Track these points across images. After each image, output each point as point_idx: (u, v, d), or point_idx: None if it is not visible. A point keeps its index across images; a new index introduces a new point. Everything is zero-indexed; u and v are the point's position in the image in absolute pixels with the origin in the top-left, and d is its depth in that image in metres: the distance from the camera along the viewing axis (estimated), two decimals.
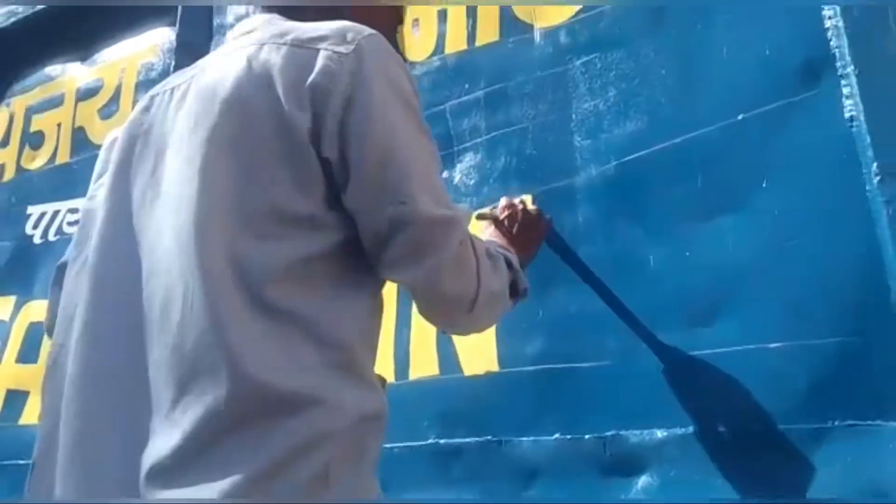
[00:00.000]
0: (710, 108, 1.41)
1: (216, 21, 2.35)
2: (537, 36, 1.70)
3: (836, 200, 1.24)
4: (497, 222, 1.39)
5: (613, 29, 1.59)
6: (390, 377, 1.57)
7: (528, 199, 1.55)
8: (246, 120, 0.88)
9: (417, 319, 1.55)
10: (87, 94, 2.70)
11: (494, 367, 1.51)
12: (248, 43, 0.95)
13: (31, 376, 2.23)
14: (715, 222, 1.35)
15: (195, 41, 2.30)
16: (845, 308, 1.20)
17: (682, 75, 1.47)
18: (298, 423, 0.78)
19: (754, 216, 1.31)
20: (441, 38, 1.86)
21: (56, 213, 2.56)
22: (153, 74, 2.50)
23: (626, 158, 1.49)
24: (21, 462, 1.99)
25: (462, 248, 0.93)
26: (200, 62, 1.03)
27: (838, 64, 1.28)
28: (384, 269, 0.91)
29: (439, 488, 1.48)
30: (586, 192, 1.52)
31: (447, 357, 1.56)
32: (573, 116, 1.58)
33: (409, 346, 1.60)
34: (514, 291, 1.12)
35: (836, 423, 1.17)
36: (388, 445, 1.51)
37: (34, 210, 2.63)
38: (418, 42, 1.88)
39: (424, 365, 1.58)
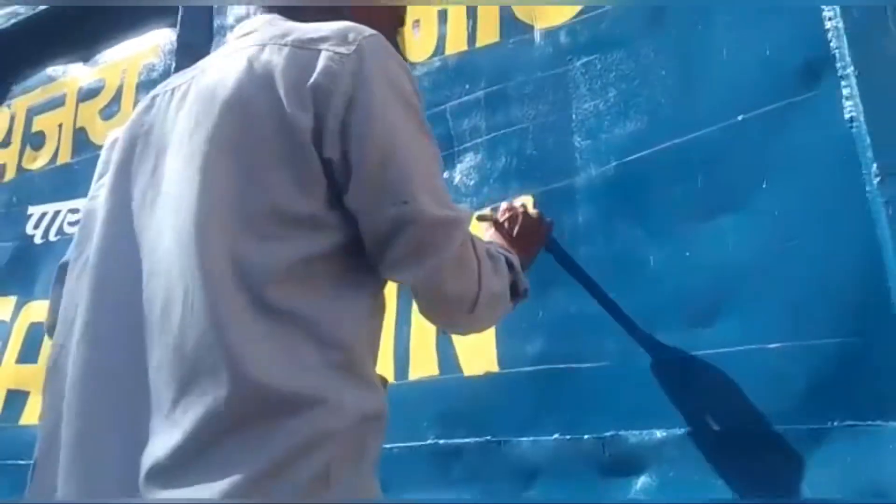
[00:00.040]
0: (710, 109, 1.41)
1: (217, 22, 2.36)
2: (537, 36, 1.70)
3: (836, 201, 1.24)
4: (497, 224, 1.39)
5: (613, 29, 1.59)
6: (390, 377, 1.57)
7: (529, 202, 1.56)
8: (247, 121, 0.88)
9: (417, 319, 1.55)
10: (88, 94, 2.70)
11: (494, 368, 1.51)
12: (249, 44, 0.95)
13: (31, 376, 2.23)
14: (715, 223, 1.35)
15: (196, 42, 2.30)
16: (845, 308, 1.20)
17: (682, 76, 1.47)
18: (299, 423, 0.78)
19: (754, 216, 1.31)
20: (441, 38, 1.86)
21: (57, 213, 2.57)
22: (154, 75, 2.50)
23: (627, 159, 1.49)
24: (21, 462, 1.99)
25: (464, 248, 0.93)
26: (201, 63, 1.03)
27: (838, 65, 1.29)
28: (386, 269, 0.91)
29: (439, 488, 1.48)
30: (586, 192, 1.52)
31: (447, 357, 1.56)
32: (573, 117, 1.59)
33: (409, 346, 1.60)
34: (515, 292, 1.12)
35: (836, 423, 1.17)
36: (387, 445, 1.51)
37: (35, 210, 2.64)
38: (419, 43, 1.88)
39: (424, 365, 1.58)
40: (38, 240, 2.57)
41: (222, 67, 0.94)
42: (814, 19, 1.33)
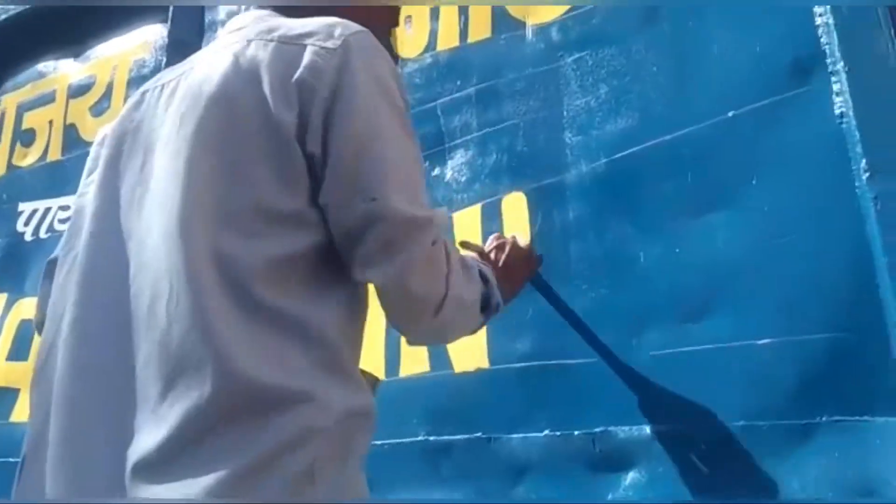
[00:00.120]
0: (700, 105, 1.41)
1: (208, 18, 2.35)
2: (529, 33, 1.70)
3: (826, 197, 1.24)
4: (483, 254, 1.33)
5: (605, 26, 1.59)
6: (381, 374, 1.56)
7: (515, 201, 1.55)
8: (232, 117, 0.88)
9: None
10: (78, 90, 2.69)
11: (485, 364, 1.51)
12: (236, 39, 0.95)
13: (21, 374, 2.22)
14: (705, 219, 1.35)
15: (187, 38, 2.30)
16: (834, 304, 1.20)
17: (673, 72, 1.47)
18: (285, 419, 0.78)
19: (745, 213, 1.31)
20: (433, 34, 1.86)
21: (47, 210, 2.55)
22: (145, 71, 2.49)
23: (618, 155, 1.49)
24: (12, 460, 1.98)
25: (434, 249, 0.91)
26: (191, 59, 1.03)
27: (828, 61, 1.29)
28: (354, 266, 0.90)
29: (429, 485, 1.48)
30: (577, 188, 1.52)
31: (437, 354, 1.56)
32: (564, 113, 1.58)
33: (400, 342, 1.60)
34: (487, 306, 1.09)
35: (825, 418, 1.17)
36: (377, 442, 1.51)
37: (25, 207, 2.62)
38: (410, 38, 1.88)
39: (415, 362, 1.58)
40: (28, 237, 2.56)
41: (209, 63, 0.94)
42: (804, 16, 1.33)
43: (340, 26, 0.92)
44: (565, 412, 1.39)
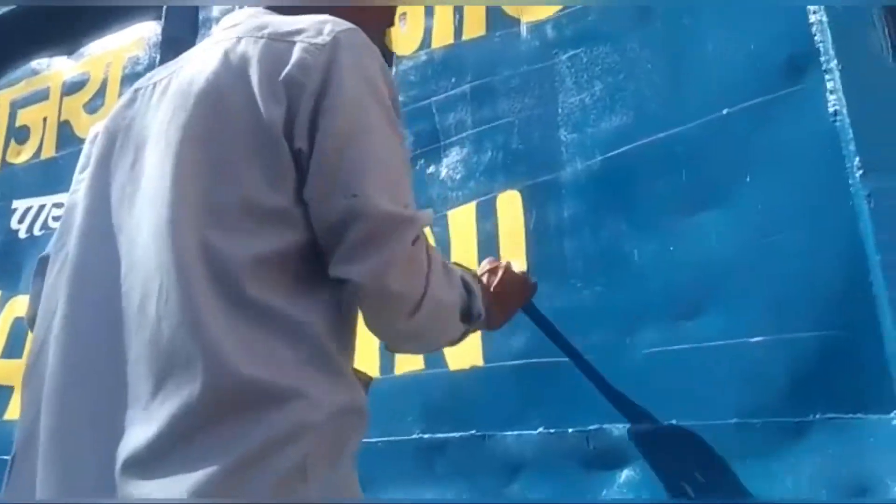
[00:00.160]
0: (695, 103, 1.41)
1: (202, 15, 2.34)
2: (524, 30, 1.70)
3: (820, 195, 1.24)
4: (475, 277, 1.28)
5: (600, 23, 1.58)
6: (375, 372, 1.57)
7: (509, 198, 1.55)
8: (220, 113, 0.88)
9: None
10: (72, 87, 2.68)
11: (479, 362, 1.51)
12: (227, 36, 0.94)
13: (15, 371, 2.21)
14: (699, 217, 1.35)
15: (181, 35, 2.29)
16: (827, 302, 1.20)
17: (667, 70, 1.46)
18: (276, 416, 0.78)
19: (738, 211, 1.31)
20: (428, 32, 1.85)
21: (41, 207, 2.55)
22: (139, 68, 2.48)
23: (612, 153, 1.49)
24: (6, 457, 1.98)
25: (415, 249, 0.89)
26: (184, 56, 1.03)
27: (822, 59, 1.29)
28: (333, 263, 0.87)
29: (423, 483, 1.48)
30: (572, 186, 1.52)
31: None
32: (559, 111, 1.58)
33: None
34: (468, 315, 1.05)
35: (818, 416, 1.17)
36: (372, 440, 1.53)
37: (19, 204, 2.62)
38: (405, 36, 1.88)
39: (409, 359, 1.58)
40: (22, 234, 2.56)
41: (200, 60, 0.94)
42: (798, 14, 1.33)
43: (331, 23, 0.92)
44: (559, 410, 1.39)
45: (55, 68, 2.78)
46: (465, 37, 1.79)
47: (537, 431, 1.40)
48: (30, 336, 1.03)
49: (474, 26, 1.78)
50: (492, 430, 1.44)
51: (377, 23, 1.15)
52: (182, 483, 0.74)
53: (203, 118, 0.88)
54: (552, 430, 1.39)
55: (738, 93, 1.36)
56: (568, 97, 1.58)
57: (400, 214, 0.87)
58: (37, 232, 2.51)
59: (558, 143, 1.56)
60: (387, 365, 1.59)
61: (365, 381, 1.03)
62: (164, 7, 2.43)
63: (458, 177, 1.68)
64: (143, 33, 2.56)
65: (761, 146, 1.31)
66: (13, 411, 2.19)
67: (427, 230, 1.62)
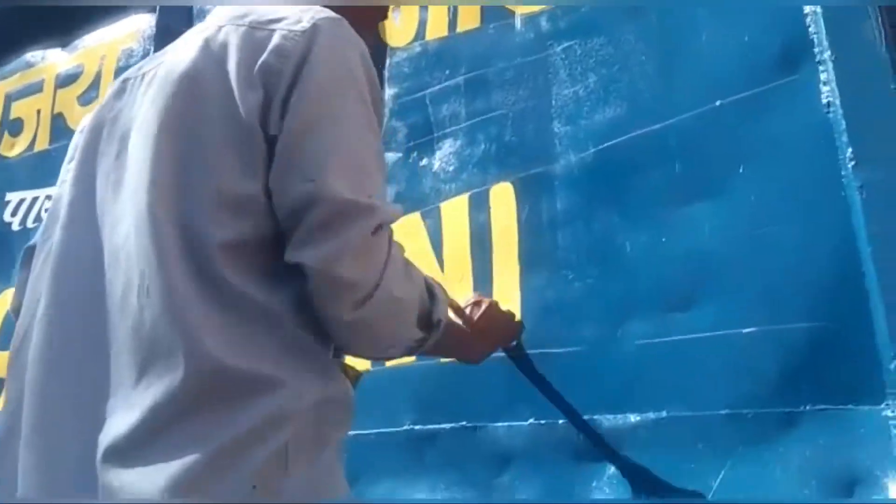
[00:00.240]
0: (688, 95, 1.40)
1: (196, 7, 2.33)
2: (518, 22, 1.70)
3: (813, 187, 1.24)
4: (459, 309, 1.27)
5: (594, 15, 1.58)
6: (367, 363, 1.56)
7: (502, 191, 1.56)
8: (197, 102, 0.88)
9: None
10: (66, 80, 2.67)
11: None
12: (210, 25, 0.94)
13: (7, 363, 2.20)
14: (692, 208, 1.35)
15: (175, 27, 2.27)
16: (819, 293, 1.20)
17: (661, 62, 1.46)
18: (256, 405, 0.78)
19: (731, 202, 1.31)
20: (422, 24, 1.85)
21: (35, 199, 2.54)
22: (133, 60, 2.47)
23: (605, 145, 1.48)
24: None
25: (374, 239, 0.85)
26: (171, 46, 1.03)
27: (816, 50, 1.28)
28: (289, 249, 0.85)
29: (414, 474, 1.47)
30: (565, 178, 1.52)
31: None
32: (553, 103, 1.58)
33: None
34: (427, 322, 0.97)
35: (809, 407, 1.17)
36: (363, 432, 1.52)
37: (13, 197, 2.61)
38: (400, 28, 1.87)
39: None
40: (15, 227, 2.55)
41: (183, 49, 0.94)
42: (792, 4, 1.33)
43: (312, 11, 0.92)
44: (549, 401, 1.38)
45: (49, 61, 2.77)
46: (459, 29, 1.78)
47: (528, 422, 1.40)
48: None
49: (469, 18, 1.77)
50: (482, 422, 1.44)
51: (370, 16, 1.14)
52: (162, 472, 0.74)
53: (181, 107, 0.88)
54: (542, 422, 1.38)
55: (732, 84, 1.35)
56: (562, 89, 1.58)
57: (357, 202, 0.84)
58: (30, 224, 2.50)
59: (552, 136, 1.56)
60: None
61: (354, 374, 1.03)
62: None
63: (452, 169, 1.68)
64: (138, 25, 2.55)
65: (754, 138, 1.31)
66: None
67: (420, 222, 1.63)
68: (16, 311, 1.04)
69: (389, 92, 1.82)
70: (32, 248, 1.05)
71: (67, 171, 1.03)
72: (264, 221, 0.86)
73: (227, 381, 0.78)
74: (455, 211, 1.63)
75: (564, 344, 1.40)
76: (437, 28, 1.82)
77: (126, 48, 2.55)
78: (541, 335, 1.44)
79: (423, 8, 1.86)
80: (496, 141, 1.63)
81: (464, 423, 1.46)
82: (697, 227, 1.33)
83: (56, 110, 2.65)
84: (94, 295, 0.87)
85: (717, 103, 1.36)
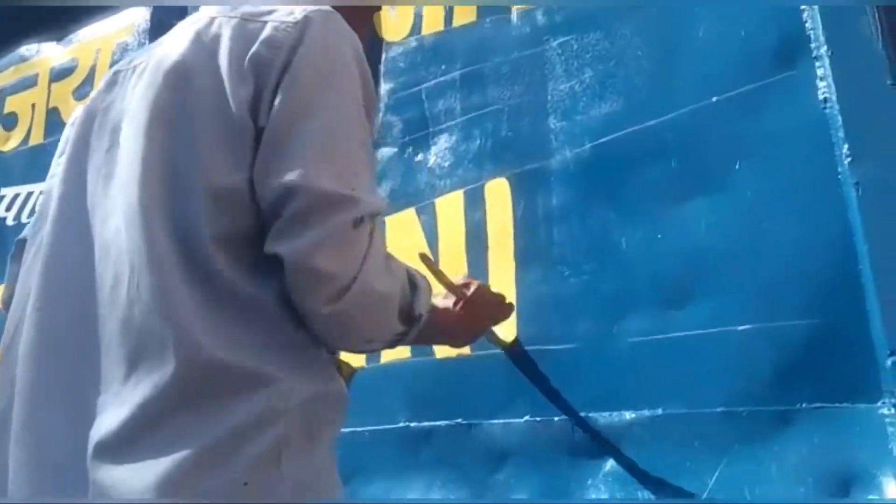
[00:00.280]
0: (685, 90, 1.40)
1: (189, 6, 2.32)
2: (515, 16, 1.69)
3: (809, 183, 1.24)
4: (451, 286, 1.25)
5: (590, 10, 1.57)
6: (362, 360, 1.55)
7: (498, 186, 1.55)
8: (188, 94, 0.87)
9: None
10: (61, 74, 2.66)
11: (466, 350, 1.49)
12: (202, 17, 0.93)
13: None
14: (688, 204, 1.34)
15: (170, 21, 2.26)
16: (815, 290, 1.20)
17: (657, 57, 1.45)
18: (247, 400, 0.77)
19: (728, 198, 1.30)
20: (418, 18, 1.84)
21: (29, 194, 2.53)
22: (128, 55, 2.46)
23: (602, 140, 1.48)
24: None
25: (356, 232, 0.83)
26: (161, 38, 1.02)
27: (813, 45, 1.28)
28: (268, 240, 0.83)
29: (409, 472, 1.47)
30: (561, 174, 1.51)
31: None
32: (549, 98, 1.57)
33: None
34: (409, 315, 0.94)
35: (805, 405, 1.16)
36: (358, 429, 1.52)
37: (7, 192, 2.60)
38: (395, 22, 1.86)
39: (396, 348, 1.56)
40: (10, 221, 2.54)
41: (174, 41, 0.93)
42: (789, 1, 1.32)
43: (305, 3, 0.91)
44: (545, 398, 1.38)
45: (44, 55, 2.76)
46: (455, 23, 1.77)
47: (523, 420, 1.39)
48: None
49: (465, 12, 1.76)
50: (478, 419, 1.44)
51: (364, 10, 1.13)
52: (152, 468, 0.73)
53: (172, 99, 0.87)
54: (538, 419, 1.38)
55: (728, 80, 1.35)
56: (558, 84, 1.57)
57: (338, 194, 0.82)
58: (25, 219, 2.49)
59: (548, 131, 1.55)
60: (373, 353, 1.58)
61: (348, 371, 1.02)
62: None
63: (447, 164, 1.67)
64: (133, 19, 2.54)
65: (751, 134, 1.31)
66: None
67: (415, 218, 1.62)
68: (6, 304, 1.04)
69: (385, 87, 1.81)
70: (23, 242, 1.04)
71: (58, 164, 1.02)
72: (253, 214, 0.85)
73: (218, 377, 0.78)
74: (450, 207, 1.62)
75: (560, 341, 1.40)
76: (432, 23, 1.81)
77: (121, 42, 2.54)
78: (536, 332, 1.43)
79: None
80: (492, 136, 1.62)
81: (459, 420, 1.46)
82: (694, 224, 1.32)
83: (51, 104, 2.64)
84: (84, 289, 0.86)
85: (714, 99, 1.35)
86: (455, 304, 1.23)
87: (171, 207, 0.83)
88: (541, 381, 1.40)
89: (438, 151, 1.69)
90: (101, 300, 0.84)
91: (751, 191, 1.28)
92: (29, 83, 2.74)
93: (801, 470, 1.15)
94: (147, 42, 2.34)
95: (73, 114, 1.08)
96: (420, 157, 1.71)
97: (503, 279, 1.49)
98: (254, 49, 0.85)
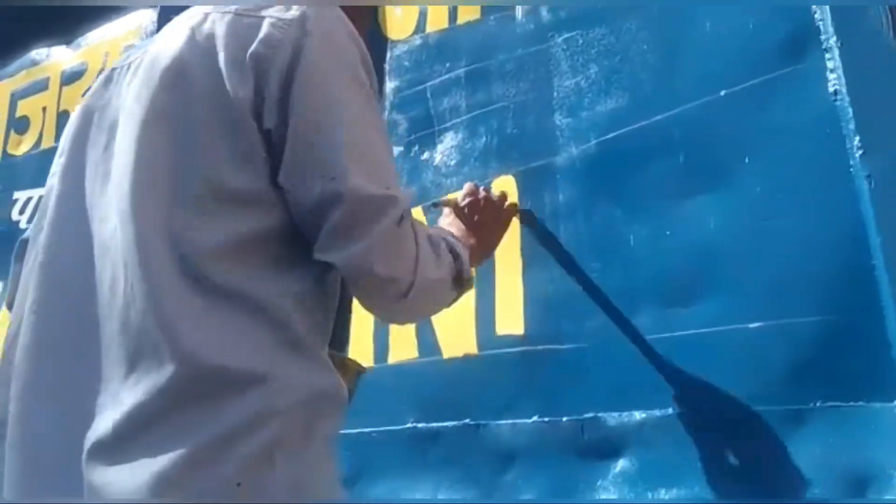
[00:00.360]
0: (692, 85, 1.37)
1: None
2: (519, 13, 1.67)
3: (820, 177, 1.21)
4: (458, 209, 1.31)
5: (595, 5, 1.55)
6: (370, 361, 1.55)
7: (504, 184, 1.53)
8: (184, 92, 0.86)
9: None
10: (71, 77, 2.68)
11: (473, 351, 1.49)
12: (196, 13, 0.92)
13: None
14: (697, 200, 1.32)
15: None
16: (828, 286, 1.17)
17: (664, 51, 1.43)
18: (242, 400, 0.77)
19: (737, 193, 1.28)
20: (423, 15, 1.83)
21: (42, 198, 2.54)
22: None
23: (608, 136, 1.46)
24: None
25: (400, 229, 0.86)
26: (157, 35, 1.01)
27: (822, 37, 1.25)
28: (318, 249, 0.85)
29: (417, 472, 1.46)
30: (567, 171, 1.49)
31: (426, 340, 1.54)
32: (554, 94, 1.55)
33: (389, 328, 1.58)
34: (459, 281, 1.00)
35: (818, 404, 1.14)
36: (366, 430, 1.51)
37: (20, 195, 2.62)
38: (400, 20, 1.85)
39: (404, 348, 1.56)
40: (23, 225, 2.55)
41: (168, 38, 0.92)
42: None
43: None
44: (553, 398, 1.36)
45: (54, 58, 2.78)
46: (459, 20, 1.76)
47: (531, 420, 1.38)
48: None
49: (469, 10, 1.75)
50: (486, 419, 1.43)
51: (361, 11, 1.12)
52: (146, 468, 0.73)
53: (168, 97, 0.86)
54: (546, 419, 1.36)
55: (736, 73, 1.32)
56: (563, 81, 1.55)
57: (381, 196, 0.84)
58: None
59: (553, 128, 1.53)
60: (381, 354, 1.58)
61: (358, 370, 1.01)
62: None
63: (453, 162, 1.66)
64: (140, 21, 2.55)
65: (760, 127, 1.28)
66: None
67: (422, 217, 1.61)
68: (10, 305, 1.04)
69: (390, 85, 1.80)
70: (26, 242, 1.04)
71: (58, 164, 1.02)
72: (255, 215, 0.84)
73: (212, 379, 0.77)
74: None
75: (567, 341, 1.38)
76: (437, 20, 1.80)
77: (128, 44, 2.54)
78: (543, 332, 1.42)
79: None
80: (497, 134, 1.61)
81: (467, 420, 1.44)
82: (703, 220, 1.30)
83: (62, 108, 2.65)
84: (83, 289, 0.86)
85: (722, 93, 1.33)
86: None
87: (166, 208, 0.83)
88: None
89: (444, 149, 1.68)
90: (101, 300, 0.84)
91: (761, 185, 1.26)
92: (40, 87, 2.75)
93: (815, 469, 1.13)
94: None
95: (74, 112, 1.08)
96: (426, 155, 1.69)
97: (510, 277, 1.47)
98: (252, 48, 0.84)
